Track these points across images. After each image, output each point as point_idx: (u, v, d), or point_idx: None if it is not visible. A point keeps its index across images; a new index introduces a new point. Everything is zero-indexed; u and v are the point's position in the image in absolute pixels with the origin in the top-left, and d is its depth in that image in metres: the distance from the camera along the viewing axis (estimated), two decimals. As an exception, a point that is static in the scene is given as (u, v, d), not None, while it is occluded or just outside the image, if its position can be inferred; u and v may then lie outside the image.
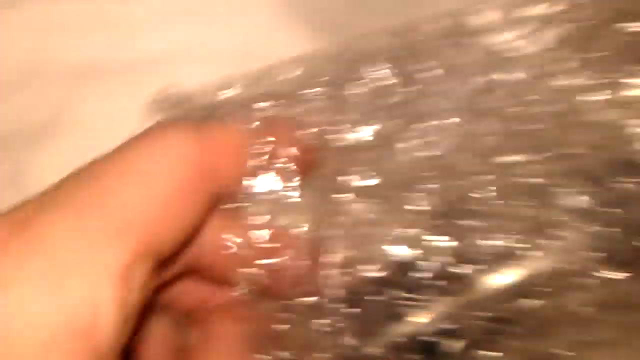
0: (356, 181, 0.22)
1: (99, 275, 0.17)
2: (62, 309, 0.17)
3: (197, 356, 0.23)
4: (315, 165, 0.23)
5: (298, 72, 0.23)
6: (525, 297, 0.22)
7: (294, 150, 0.22)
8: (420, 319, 0.22)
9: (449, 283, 0.22)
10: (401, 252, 0.22)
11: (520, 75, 0.23)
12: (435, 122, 0.23)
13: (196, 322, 0.24)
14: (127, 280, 0.18)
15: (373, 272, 0.22)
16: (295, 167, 0.22)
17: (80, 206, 0.18)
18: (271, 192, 0.22)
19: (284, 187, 0.22)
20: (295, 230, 0.22)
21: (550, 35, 0.23)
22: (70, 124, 0.34)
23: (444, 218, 0.22)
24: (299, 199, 0.22)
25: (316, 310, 0.22)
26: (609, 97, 0.22)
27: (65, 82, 0.34)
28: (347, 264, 0.22)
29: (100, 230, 0.18)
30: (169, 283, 0.23)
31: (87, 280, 0.17)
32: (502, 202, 0.22)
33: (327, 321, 0.22)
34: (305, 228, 0.22)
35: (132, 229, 0.18)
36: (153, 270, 0.19)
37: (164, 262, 0.20)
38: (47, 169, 0.33)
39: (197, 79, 0.35)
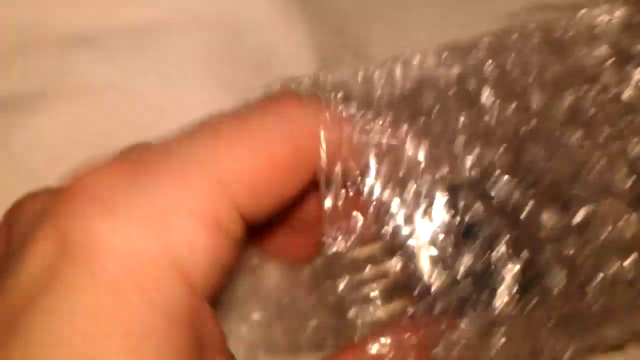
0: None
1: (198, 221, 0.19)
2: (162, 241, 0.19)
3: None
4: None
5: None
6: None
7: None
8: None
9: None
10: None
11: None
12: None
13: None
14: (221, 230, 0.20)
15: None
16: None
17: (187, 156, 0.20)
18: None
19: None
20: None
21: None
22: (61, 92, 0.34)
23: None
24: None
25: None
26: None
27: (57, 50, 0.34)
28: None
29: (203, 181, 0.20)
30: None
31: (185, 223, 0.19)
32: None
33: None
34: None
35: (236, 184, 0.20)
36: (243, 226, 0.21)
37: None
38: (38, 135, 0.33)
39: (186, 45, 0.36)
